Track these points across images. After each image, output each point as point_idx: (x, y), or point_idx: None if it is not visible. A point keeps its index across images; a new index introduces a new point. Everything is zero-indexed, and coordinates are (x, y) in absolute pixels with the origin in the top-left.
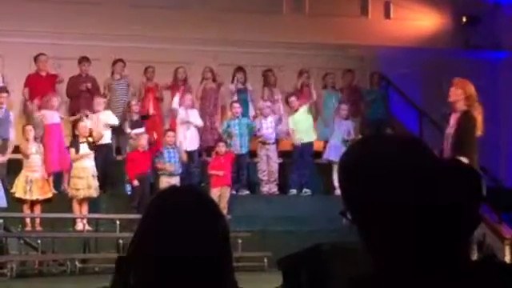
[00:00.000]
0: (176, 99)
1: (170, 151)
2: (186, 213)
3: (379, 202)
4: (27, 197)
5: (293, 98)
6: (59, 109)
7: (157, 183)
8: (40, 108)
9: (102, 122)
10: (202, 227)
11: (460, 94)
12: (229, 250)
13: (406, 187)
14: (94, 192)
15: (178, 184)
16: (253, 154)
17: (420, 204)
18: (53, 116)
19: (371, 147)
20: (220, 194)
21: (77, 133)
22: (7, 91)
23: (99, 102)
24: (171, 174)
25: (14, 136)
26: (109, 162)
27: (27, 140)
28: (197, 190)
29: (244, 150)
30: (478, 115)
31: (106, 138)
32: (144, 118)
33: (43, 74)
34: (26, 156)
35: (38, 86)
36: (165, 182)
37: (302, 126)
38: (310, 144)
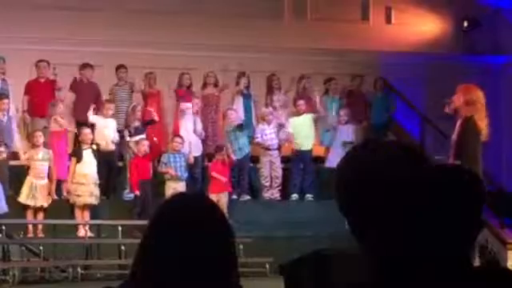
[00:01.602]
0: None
1: (175, 156)
2: (194, 219)
3: (376, 207)
4: (30, 203)
5: (301, 102)
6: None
7: (162, 188)
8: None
9: (108, 132)
10: (208, 232)
11: (461, 99)
12: (234, 253)
13: (403, 192)
14: (94, 199)
15: (184, 189)
16: (254, 159)
17: (416, 208)
18: (59, 122)
19: (368, 154)
20: (218, 199)
21: (80, 139)
22: (8, 97)
23: (109, 107)
24: (177, 179)
25: (17, 142)
26: (112, 168)
27: (36, 146)
28: (203, 197)
29: (245, 156)
30: (482, 121)
31: (111, 144)
32: (148, 124)
33: (42, 80)
34: (32, 162)
35: (38, 93)
36: (171, 187)
37: (301, 132)
38: (309, 151)
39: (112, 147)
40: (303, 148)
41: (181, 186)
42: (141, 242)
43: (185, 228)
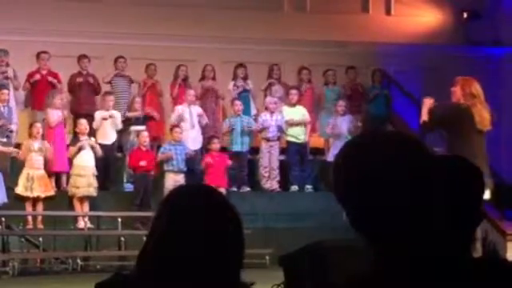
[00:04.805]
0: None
1: (176, 148)
2: (201, 213)
3: (375, 204)
4: (28, 194)
5: (294, 91)
6: (64, 107)
7: (161, 180)
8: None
9: (109, 123)
10: (218, 227)
11: (458, 92)
12: (242, 248)
13: (402, 189)
14: (93, 191)
15: (183, 181)
16: (254, 150)
17: (415, 205)
18: (57, 114)
19: (365, 149)
20: None
21: (77, 130)
22: (8, 89)
23: (109, 99)
24: (178, 171)
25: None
26: (111, 159)
27: (32, 137)
28: (210, 190)
29: (245, 148)
30: (480, 114)
31: (112, 137)
32: (146, 119)
33: (44, 72)
34: (27, 153)
35: (39, 84)
36: (171, 179)
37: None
38: (304, 143)
39: (113, 140)
40: (297, 141)
41: (181, 178)
42: (147, 239)
43: (192, 226)
